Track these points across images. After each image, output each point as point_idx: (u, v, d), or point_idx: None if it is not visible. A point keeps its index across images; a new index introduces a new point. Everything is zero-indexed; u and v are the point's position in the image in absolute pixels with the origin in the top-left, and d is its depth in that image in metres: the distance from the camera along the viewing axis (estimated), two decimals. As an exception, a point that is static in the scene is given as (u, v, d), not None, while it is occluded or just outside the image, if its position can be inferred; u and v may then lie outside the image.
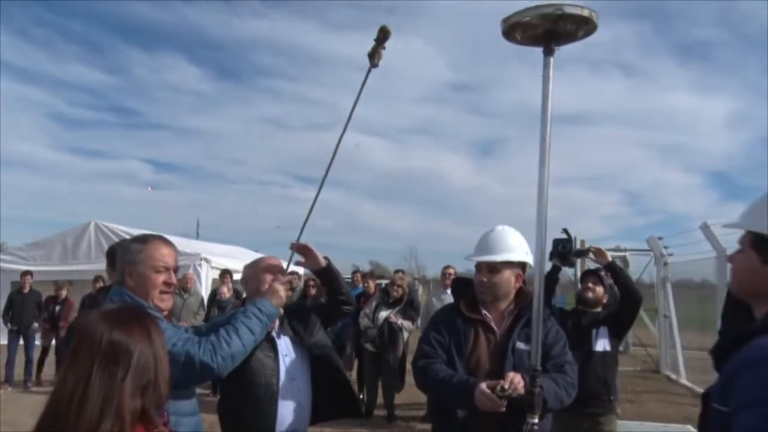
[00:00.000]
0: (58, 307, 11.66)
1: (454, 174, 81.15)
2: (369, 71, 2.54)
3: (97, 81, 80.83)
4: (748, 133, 78.26)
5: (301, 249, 3.24)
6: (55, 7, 79.59)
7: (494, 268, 3.13)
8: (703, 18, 66.44)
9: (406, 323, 8.82)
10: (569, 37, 2.35)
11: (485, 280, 3.14)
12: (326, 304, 3.52)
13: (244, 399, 3.09)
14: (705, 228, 10.45)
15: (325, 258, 3.29)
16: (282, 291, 2.94)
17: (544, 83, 2.35)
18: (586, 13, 2.23)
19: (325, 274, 3.36)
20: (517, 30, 2.33)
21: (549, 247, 4.74)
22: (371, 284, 9.66)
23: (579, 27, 2.29)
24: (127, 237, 2.94)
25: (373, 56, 2.49)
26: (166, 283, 2.56)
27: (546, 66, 2.35)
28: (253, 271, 3.21)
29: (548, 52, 2.35)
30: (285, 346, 3.13)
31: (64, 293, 11.94)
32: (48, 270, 15.26)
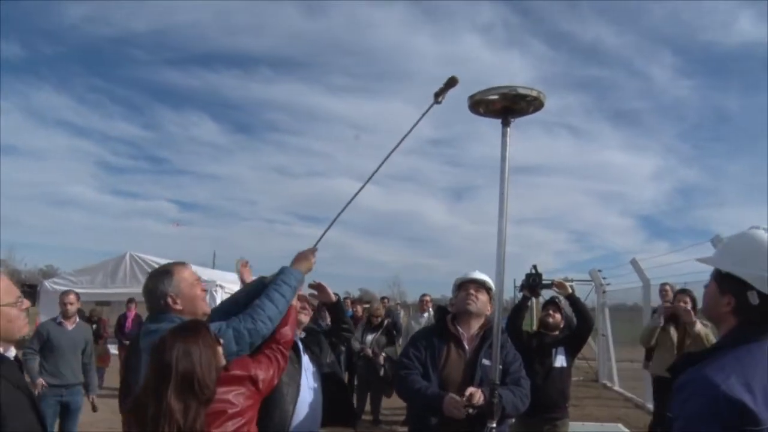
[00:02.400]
0: (94, 326, 11.95)
1: (432, 215, 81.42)
2: (432, 105, 2.51)
3: (136, 135, 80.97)
4: (667, 185, 79.73)
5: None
6: (105, 76, 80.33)
7: (479, 287, 3.25)
8: (630, 91, 67.87)
9: (388, 350, 8.70)
10: (522, 112, 2.42)
11: (473, 292, 3.23)
12: (331, 329, 3.55)
13: (269, 398, 2.99)
14: (634, 262, 10.52)
15: (336, 294, 3.33)
16: (312, 258, 2.81)
17: (502, 149, 2.40)
18: (535, 93, 2.30)
19: (334, 307, 3.39)
20: (480, 105, 2.40)
21: (517, 281, 4.81)
22: (359, 309, 9.60)
23: (530, 104, 2.37)
24: (156, 266, 2.90)
25: (439, 95, 2.46)
26: (203, 290, 2.58)
27: (504, 135, 2.42)
28: None
29: (506, 124, 2.42)
30: (307, 362, 3.11)
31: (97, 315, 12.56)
32: (92, 292, 15.20)
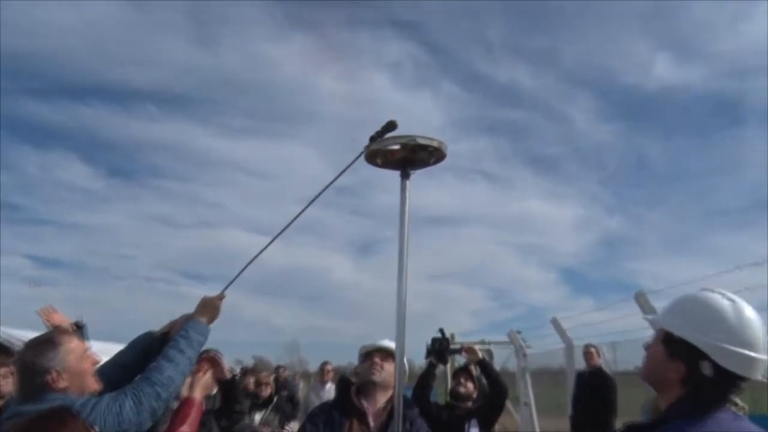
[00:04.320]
0: None
1: (335, 271, 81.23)
2: (363, 152, 2.52)
3: (-14, 177, 75.76)
4: (590, 235, 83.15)
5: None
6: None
7: (387, 355, 3.30)
8: (548, 135, 71.25)
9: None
10: (423, 163, 2.52)
11: (379, 361, 3.29)
12: (223, 410, 3.52)
13: None
14: (554, 322, 10.87)
15: (232, 370, 3.29)
16: (219, 306, 2.71)
17: (401, 203, 2.48)
18: (435, 143, 2.41)
19: (228, 386, 3.37)
20: (377, 156, 2.49)
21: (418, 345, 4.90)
22: (251, 381, 9.18)
23: (431, 155, 2.47)
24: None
25: (374, 139, 2.44)
26: (93, 363, 2.45)
27: (403, 188, 2.50)
28: None
29: (405, 176, 2.51)
30: None
31: None
32: None
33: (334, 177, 2.59)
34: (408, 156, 2.47)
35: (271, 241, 2.69)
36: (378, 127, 2.45)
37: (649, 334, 1.91)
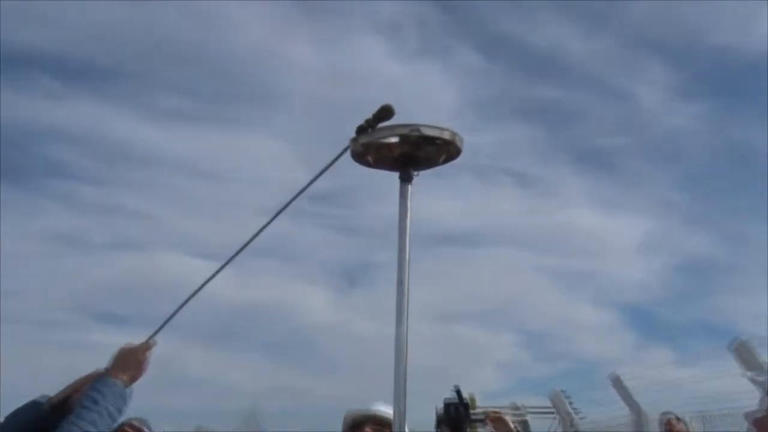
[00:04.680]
0: None
1: (309, 308, 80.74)
2: (348, 147, 2.50)
3: None
4: (663, 260, 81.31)
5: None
6: None
7: (380, 427, 3.21)
8: (603, 120, 69.72)
9: None
10: (430, 162, 2.48)
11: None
12: None
13: None
14: (616, 381, 10.80)
15: None
16: (144, 359, 2.62)
17: (400, 216, 2.43)
18: (447, 135, 2.36)
19: None
20: (369, 152, 2.45)
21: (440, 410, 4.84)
22: None
23: (441, 150, 2.43)
24: None
25: (364, 129, 2.40)
26: None
27: (403, 195, 2.45)
28: None
29: (406, 179, 2.46)
30: None
31: None
32: None
33: (310, 180, 2.56)
34: (410, 152, 2.43)
35: (221, 268, 2.64)
36: (369, 113, 2.39)
37: (754, 400, 1.80)
